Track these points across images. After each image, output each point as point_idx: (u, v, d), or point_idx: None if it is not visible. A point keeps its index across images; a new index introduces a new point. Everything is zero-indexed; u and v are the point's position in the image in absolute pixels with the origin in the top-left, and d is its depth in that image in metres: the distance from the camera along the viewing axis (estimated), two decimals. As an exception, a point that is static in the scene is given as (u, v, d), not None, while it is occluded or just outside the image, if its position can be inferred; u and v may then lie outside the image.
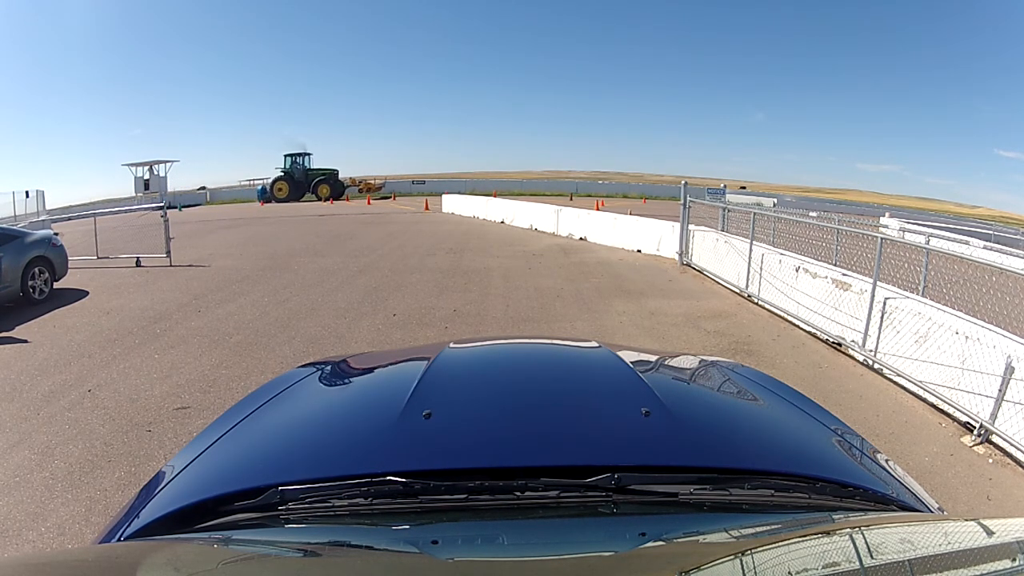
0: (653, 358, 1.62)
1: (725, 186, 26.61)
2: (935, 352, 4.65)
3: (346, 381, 1.46)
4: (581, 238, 14.52)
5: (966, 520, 1.02)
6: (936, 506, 1.08)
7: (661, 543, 0.84)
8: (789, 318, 7.13)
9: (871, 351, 5.46)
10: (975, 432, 4.12)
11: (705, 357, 1.71)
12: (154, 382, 4.89)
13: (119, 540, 0.93)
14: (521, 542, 0.86)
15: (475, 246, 13.40)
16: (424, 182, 40.12)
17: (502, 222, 18.87)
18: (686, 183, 10.40)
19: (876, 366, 5.42)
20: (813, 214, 15.30)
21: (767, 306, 7.69)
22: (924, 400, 4.72)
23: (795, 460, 1.07)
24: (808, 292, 6.87)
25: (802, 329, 6.75)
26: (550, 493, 0.89)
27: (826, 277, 6.63)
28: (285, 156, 29.88)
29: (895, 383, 5.09)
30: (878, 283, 5.56)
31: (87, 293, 8.46)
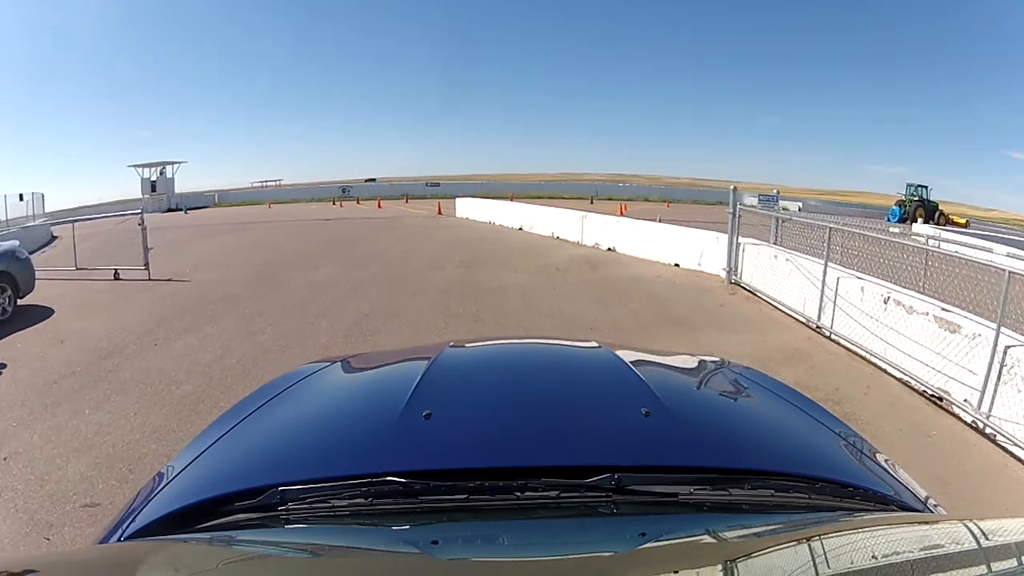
0: (653, 358, 1.61)
1: (778, 192, 24.38)
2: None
3: (346, 381, 1.45)
4: (609, 248, 13.19)
5: (966, 520, 0.92)
6: (936, 506, 1.09)
7: (661, 543, 0.83)
8: (872, 359, 5.83)
9: (984, 413, 4.19)
10: None
11: (705, 357, 1.66)
12: (71, 455, 3.80)
13: (119, 540, 0.93)
14: (521, 542, 0.86)
15: (489, 258, 12.13)
16: (438, 184, 39.29)
17: (520, 228, 17.66)
18: (735, 188, 8.95)
19: (988, 430, 4.23)
20: (864, 224, 13.82)
21: (844, 342, 6.36)
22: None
23: (795, 460, 1.07)
24: (900, 330, 5.56)
25: (890, 375, 5.46)
26: (550, 493, 0.88)
27: (926, 313, 5.30)
28: (908, 185, 33.85)
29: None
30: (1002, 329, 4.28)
31: (52, 312, 7.64)
